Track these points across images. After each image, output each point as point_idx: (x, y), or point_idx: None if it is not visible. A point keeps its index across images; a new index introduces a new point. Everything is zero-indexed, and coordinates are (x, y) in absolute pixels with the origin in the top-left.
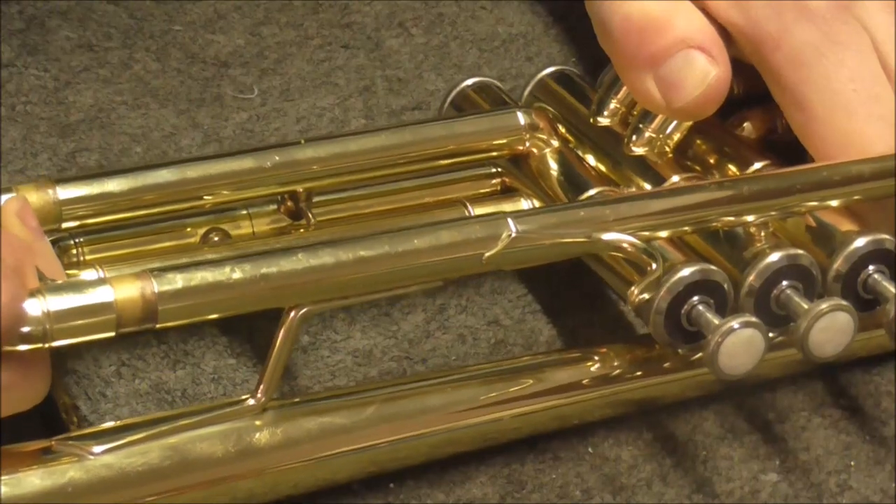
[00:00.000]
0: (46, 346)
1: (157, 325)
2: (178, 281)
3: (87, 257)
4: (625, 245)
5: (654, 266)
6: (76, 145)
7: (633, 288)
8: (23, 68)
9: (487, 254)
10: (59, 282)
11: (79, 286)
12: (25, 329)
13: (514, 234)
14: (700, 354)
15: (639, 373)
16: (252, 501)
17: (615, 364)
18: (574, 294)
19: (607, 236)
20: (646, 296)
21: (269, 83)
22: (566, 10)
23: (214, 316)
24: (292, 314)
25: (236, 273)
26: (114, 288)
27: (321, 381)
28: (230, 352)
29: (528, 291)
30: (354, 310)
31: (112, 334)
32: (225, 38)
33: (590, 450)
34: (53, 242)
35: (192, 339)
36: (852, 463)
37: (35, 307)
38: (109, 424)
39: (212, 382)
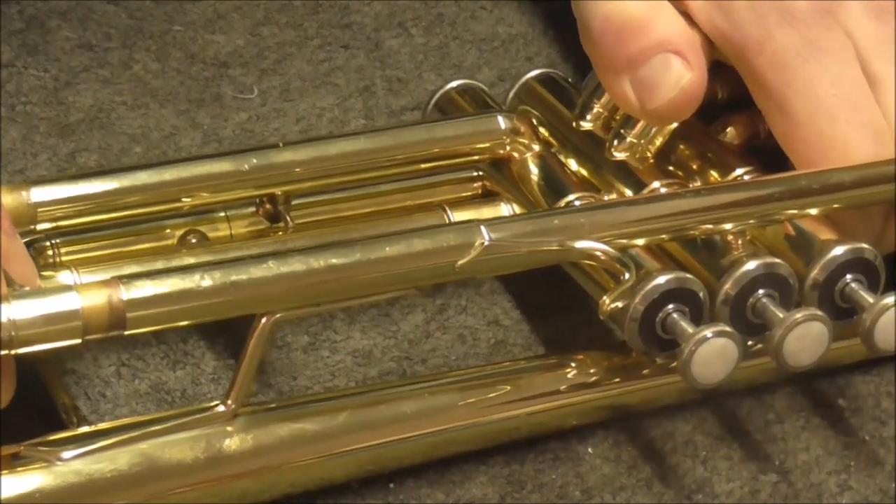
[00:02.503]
0: (11, 352)
1: (126, 332)
2: (146, 288)
3: (63, 258)
4: (598, 254)
5: (626, 276)
6: (76, 145)
7: (604, 298)
8: (23, 68)
9: (460, 262)
10: (26, 288)
11: (45, 293)
12: None
13: (486, 243)
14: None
15: (636, 377)
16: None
17: (606, 369)
18: (574, 293)
19: (581, 245)
20: (619, 304)
21: (269, 83)
22: (566, 10)
23: (184, 323)
24: (263, 320)
25: (206, 280)
26: (80, 295)
27: (321, 381)
28: (230, 352)
29: (528, 291)
30: (354, 310)
31: (78, 341)
32: (225, 38)
33: (590, 450)
34: (29, 244)
35: (192, 339)
36: (852, 463)
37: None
38: (80, 430)
39: (212, 382)
